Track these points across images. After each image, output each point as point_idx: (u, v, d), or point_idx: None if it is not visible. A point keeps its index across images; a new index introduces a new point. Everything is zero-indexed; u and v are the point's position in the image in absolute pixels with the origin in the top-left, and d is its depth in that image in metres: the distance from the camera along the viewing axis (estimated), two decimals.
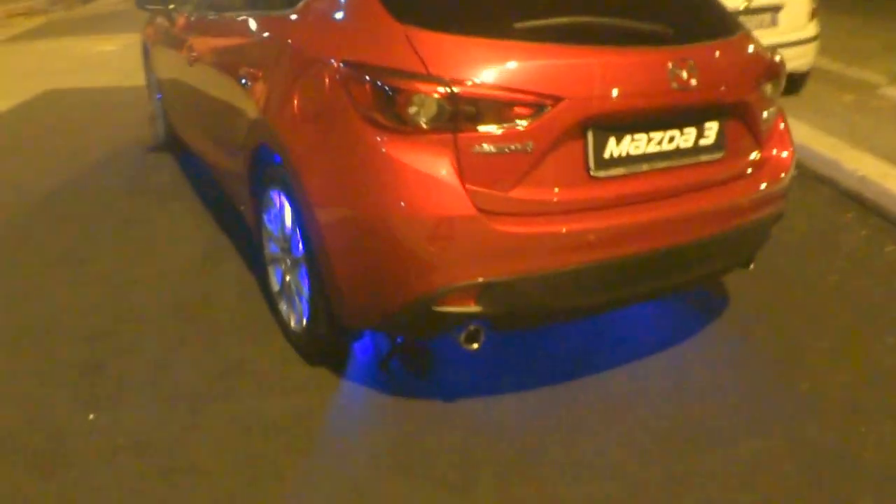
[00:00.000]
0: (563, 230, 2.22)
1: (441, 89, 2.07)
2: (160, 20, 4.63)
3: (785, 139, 2.80)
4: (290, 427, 2.46)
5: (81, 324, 3.16)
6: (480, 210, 2.13)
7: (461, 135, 2.10)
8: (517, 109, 2.12)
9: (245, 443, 2.39)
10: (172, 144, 5.21)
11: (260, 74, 2.77)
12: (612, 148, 2.28)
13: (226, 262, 3.67)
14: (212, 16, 3.69)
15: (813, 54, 6.10)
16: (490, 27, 2.22)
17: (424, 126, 2.09)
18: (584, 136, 2.23)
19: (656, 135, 2.35)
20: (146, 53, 5.35)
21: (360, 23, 2.33)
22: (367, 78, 2.14)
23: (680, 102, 2.36)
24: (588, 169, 2.25)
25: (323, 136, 2.31)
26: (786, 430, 2.40)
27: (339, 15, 2.48)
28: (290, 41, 2.62)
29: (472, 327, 2.28)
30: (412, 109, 2.08)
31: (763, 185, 2.66)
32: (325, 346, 2.70)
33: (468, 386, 2.67)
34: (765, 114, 2.64)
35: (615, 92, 2.22)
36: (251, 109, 2.81)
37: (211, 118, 3.62)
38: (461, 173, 2.11)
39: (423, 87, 2.07)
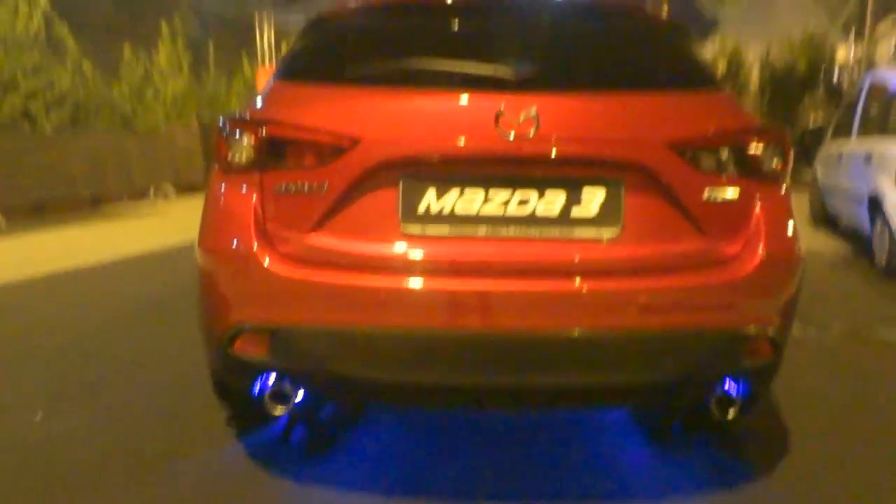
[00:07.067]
0: (362, 286, 1.98)
1: (257, 130, 2.09)
2: None
3: (761, 232, 2.07)
4: (148, 462, 2.50)
5: (123, 352, 3.69)
6: (277, 252, 2.04)
7: (267, 174, 2.08)
8: (317, 149, 2.03)
9: (102, 463, 2.49)
10: None
11: None
12: (431, 202, 2.00)
13: None
14: None
15: None
16: (324, 73, 2.23)
17: (241, 165, 2.12)
18: (397, 185, 2.01)
19: (499, 194, 2.00)
20: None
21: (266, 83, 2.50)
22: (222, 122, 2.28)
23: (527, 156, 1.98)
24: (398, 222, 2.01)
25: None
26: None
27: None
28: None
29: (278, 385, 2.12)
30: (233, 149, 2.13)
31: (708, 287, 2.02)
32: (222, 387, 2.60)
33: (340, 479, 2.38)
34: (707, 191, 2.05)
35: (425, 136, 1.99)
36: None
37: None
38: (262, 213, 2.06)
39: (244, 127, 2.13)
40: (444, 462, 2.48)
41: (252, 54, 19.69)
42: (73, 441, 2.67)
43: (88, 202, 11.45)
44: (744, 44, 16.00)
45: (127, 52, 13.23)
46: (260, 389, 2.17)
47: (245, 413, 2.73)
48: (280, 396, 2.13)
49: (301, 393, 2.19)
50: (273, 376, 2.13)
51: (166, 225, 9.36)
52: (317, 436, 2.69)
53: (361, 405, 2.84)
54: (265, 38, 21.44)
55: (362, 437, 2.67)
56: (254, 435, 2.68)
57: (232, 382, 2.33)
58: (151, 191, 12.65)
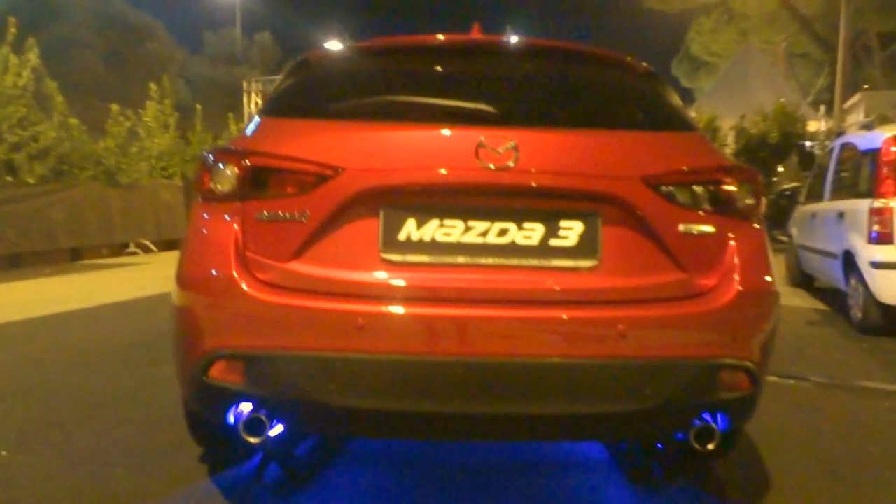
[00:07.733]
0: (340, 311, 1.97)
1: (240, 160, 2.12)
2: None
3: (736, 265, 2.11)
4: (117, 501, 2.42)
5: (94, 392, 3.59)
6: (255, 278, 2.03)
7: (248, 202, 2.09)
8: (299, 178, 2.06)
9: (70, 502, 2.40)
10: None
11: None
12: (412, 230, 2.02)
13: None
14: None
15: None
16: (308, 109, 2.30)
17: (223, 194, 2.13)
18: (377, 214, 2.04)
19: (478, 223, 2.03)
20: None
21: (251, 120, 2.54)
22: (206, 153, 2.31)
23: (506, 187, 2.02)
24: (378, 250, 2.03)
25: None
26: None
27: None
28: None
29: (253, 414, 2.08)
30: (216, 179, 2.15)
31: (685, 317, 2.04)
32: (195, 418, 2.54)
33: None
34: (682, 226, 2.10)
35: (406, 165, 2.02)
36: None
37: None
38: (243, 241, 2.07)
39: (228, 157, 2.15)
40: (422, 500, 2.43)
41: (239, 117, 19.97)
42: (40, 479, 2.58)
43: (67, 254, 11.34)
44: (719, 115, 16.57)
45: (115, 109, 13.35)
46: (234, 419, 2.13)
47: (217, 447, 2.66)
48: (254, 426, 2.07)
49: (276, 427, 2.15)
50: (247, 406, 2.09)
51: (144, 277, 9.27)
52: (292, 473, 2.63)
53: (338, 438, 2.79)
54: (252, 101, 21.79)
55: (338, 474, 2.61)
56: (227, 473, 2.61)
57: (205, 412, 2.27)
58: (132, 245, 12.58)
